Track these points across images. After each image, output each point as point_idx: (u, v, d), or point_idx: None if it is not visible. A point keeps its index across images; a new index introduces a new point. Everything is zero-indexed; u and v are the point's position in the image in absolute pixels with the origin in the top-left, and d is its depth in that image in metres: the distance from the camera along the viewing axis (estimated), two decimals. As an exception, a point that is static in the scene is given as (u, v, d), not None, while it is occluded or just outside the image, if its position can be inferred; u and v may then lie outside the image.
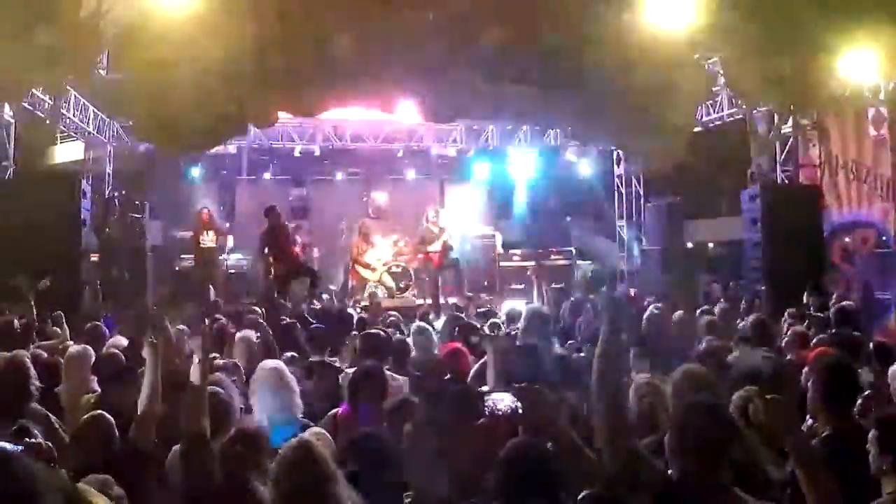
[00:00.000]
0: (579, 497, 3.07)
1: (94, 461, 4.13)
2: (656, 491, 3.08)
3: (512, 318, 8.88)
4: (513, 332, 7.39)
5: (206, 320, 8.28)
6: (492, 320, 8.76)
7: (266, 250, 14.21)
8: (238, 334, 7.33)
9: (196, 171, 18.52)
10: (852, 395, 4.36)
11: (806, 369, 5.05)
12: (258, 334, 7.47)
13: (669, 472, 3.24)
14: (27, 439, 3.56)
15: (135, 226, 14.57)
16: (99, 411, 4.58)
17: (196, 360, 4.46)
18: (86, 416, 4.59)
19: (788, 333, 7.31)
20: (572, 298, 10.51)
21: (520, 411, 3.46)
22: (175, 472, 4.19)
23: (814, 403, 4.26)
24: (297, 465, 3.18)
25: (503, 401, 3.64)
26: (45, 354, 6.51)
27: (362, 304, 13.38)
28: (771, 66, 11.16)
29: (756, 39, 10.73)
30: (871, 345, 6.34)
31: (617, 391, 3.34)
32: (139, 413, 4.42)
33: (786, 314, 8.41)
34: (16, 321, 7.64)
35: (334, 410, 5.23)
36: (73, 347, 6.28)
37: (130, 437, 4.34)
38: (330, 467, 3.22)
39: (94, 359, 6.06)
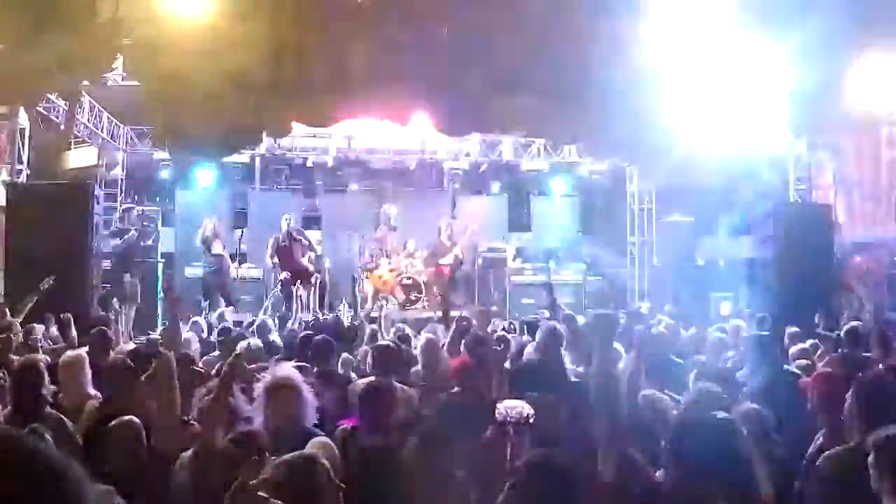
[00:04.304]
0: None
1: (124, 467, 4.14)
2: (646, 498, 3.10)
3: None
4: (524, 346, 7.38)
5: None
6: (499, 333, 8.72)
7: (276, 259, 14.37)
8: (246, 342, 7.34)
9: (208, 180, 18.54)
10: (886, 410, 4.29)
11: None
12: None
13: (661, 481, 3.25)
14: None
15: (150, 233, 14.66)
16: (129, 416, 4.53)
17: (222, 374, 4.44)
18: (116, 422, 4.53)
19: (791, 352, 7.24)
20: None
21: (531, 420, 3.44)
22: (182, 477, 4.18)
23: (848, 416, 4.22)
24: (299, 478, 3.16)
25: (515, 408, 3.61)
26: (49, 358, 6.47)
27: (372, 315, 13.35)
28: (784, 84, 11.13)
29: (769, 57, 10.71)
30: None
31: (614, 405, 3.34)
32: (160, 422, 4.39)
33: (786, 332, 8.33)
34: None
35: (343, 423, 5.20)
36: (68, 353, 6.24)
37: (153, 444, 4.31)
38: (331, 482, 3.19)
39: (88, 363, 5.97)
